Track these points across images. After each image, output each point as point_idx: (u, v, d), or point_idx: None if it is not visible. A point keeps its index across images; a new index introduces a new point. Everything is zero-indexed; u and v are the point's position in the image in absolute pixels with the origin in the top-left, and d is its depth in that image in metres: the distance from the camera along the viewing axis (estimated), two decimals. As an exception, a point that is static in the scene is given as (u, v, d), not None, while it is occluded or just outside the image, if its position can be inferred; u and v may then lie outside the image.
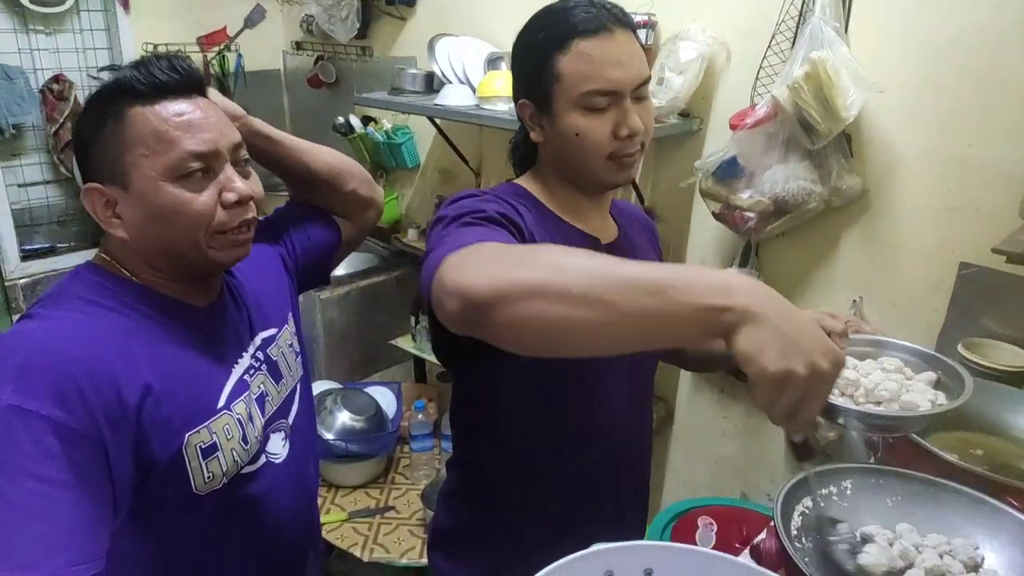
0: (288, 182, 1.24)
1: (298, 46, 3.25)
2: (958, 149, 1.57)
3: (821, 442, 1.84)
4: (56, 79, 2.63)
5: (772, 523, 0.90)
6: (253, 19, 3.01)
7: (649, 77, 1.02)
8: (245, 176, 0.96)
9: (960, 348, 1.43)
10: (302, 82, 3.16)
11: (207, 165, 0.90)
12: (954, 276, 1.60)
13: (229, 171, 0.93)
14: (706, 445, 2.25)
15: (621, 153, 1.01)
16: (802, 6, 1.69)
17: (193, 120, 0.90)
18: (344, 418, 2.33)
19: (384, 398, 2.49)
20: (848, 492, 0.97)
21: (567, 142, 1.00)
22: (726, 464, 2.21)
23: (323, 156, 1.20)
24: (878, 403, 0.97)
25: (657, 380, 1.25)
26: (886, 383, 0.99)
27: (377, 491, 2.34)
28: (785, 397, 0.62)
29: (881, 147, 1.69)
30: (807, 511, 0.93)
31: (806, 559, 0.81)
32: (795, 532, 0.90)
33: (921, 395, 0.97)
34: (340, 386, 2.52)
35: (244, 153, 0.97)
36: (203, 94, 0.95)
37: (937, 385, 1.02)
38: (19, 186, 2.71)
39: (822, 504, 0.94)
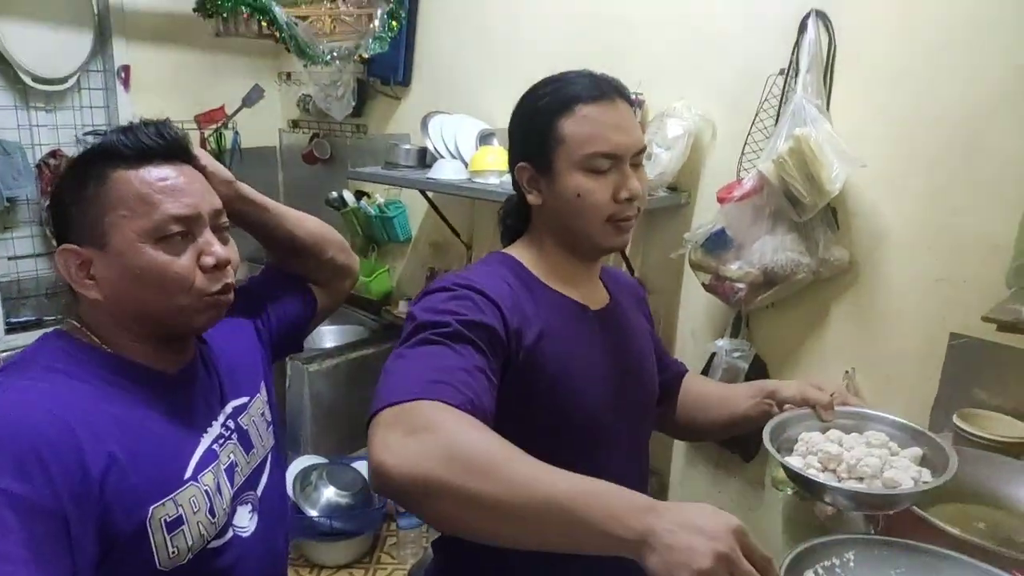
0: (270, 248, 1.24)
1: (294, 124, 3.33)
2: (944, 219, 1.60)
3: (820, 517, 1.80)
4: (53, 154, 2.68)
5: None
6: (251, 98, 3.09)
7: (645, 146, 1.06)
8: (224, 242, 0.96)
9: (956, 419, 1.42)
10: (297, 158, 3.23)
11: (187, 229, 0.91)
12: (945, 346, 1.61)
13: (208, 235, 0.93)
14: (702, 522, 2.18)
15: (619, 216, 1.02)
16: (784, 84, 1.75)
17: (176, 185, 0.90)
18: (329, 494, 2.27)
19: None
20: (851, 564, 0.94)
21: (567, 203, 1.02)
22: (723, 542, 2.14)
23: (306, 224, 1.21)
24: (860, 479, 0.97)
25: (651, 453, 1.22)
26: (868, 459, 0.98)
27: (362, 571, 2.25)
28: None
29: (867, 219, 1.72)
30: (811, 584, 0.89)
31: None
32: (799, 606, 0.86)
33: (904, 472, 0.97)
34: (326, 460, 2.46)
35: (224, 220, 0.97)
36: (188, 161, 0.96)
37: (923, 461, 1.02)
38: (9, 259, 2.71)
39: (825, 577, 0.91)
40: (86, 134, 0.91)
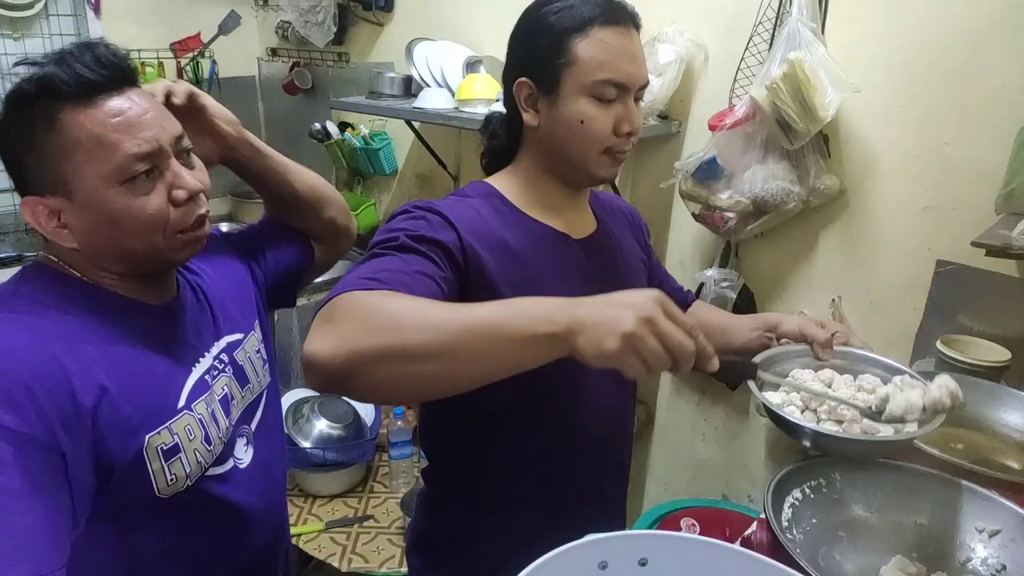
0: (268, 199, 1.21)
1: (273, 52, 3.22)
2: (935, 147, 1.58)
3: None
4: (24, 83, 2.58)
5: (762, 516, 0.89)
6: (227, 25, 2.98)
7: (648, 81, 1.03)
8: (189, 167, 0.92)
9: (939, 344, 1.44)
10: (277, 88, 3.14)
11: (152, 164, 0.87)
12: (931, 274, 1.62)
13: (175, 167, 0.89)
14: (687, 448, 2.24)
15: (617, 148, 1.01)
16: (779, 8, 1.71)
17: (131, 119, 0.85)
18: (321, 426, 2.29)
19: (362, 405, 2.46)
20: (838, 484, 0.96)
21: (568, 128, 0.99)
22: (706, 467, 2.21)
23: (307, 178, 1.19)
24: (840, 423, 0.96)
25: (638, 383, 1.23)
26: (853, 402, 0.96)
27: (355, 500, 2.30)
28: (646, 353, 0.67)
29: (858, 147, 1.70)
30: (797, 503, 0.92)
31: (798, 550, 0.80)
32: (785, 524, 0.89)
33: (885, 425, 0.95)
34: (317, 394, 2.47)
35: (187, 143, 0.93)
36: (135, 84, 0.90)
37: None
38: (-15, 193, 2.64)
39: (812, 496, 0.93)
40: (16, 64, 0.85)
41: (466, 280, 0.94)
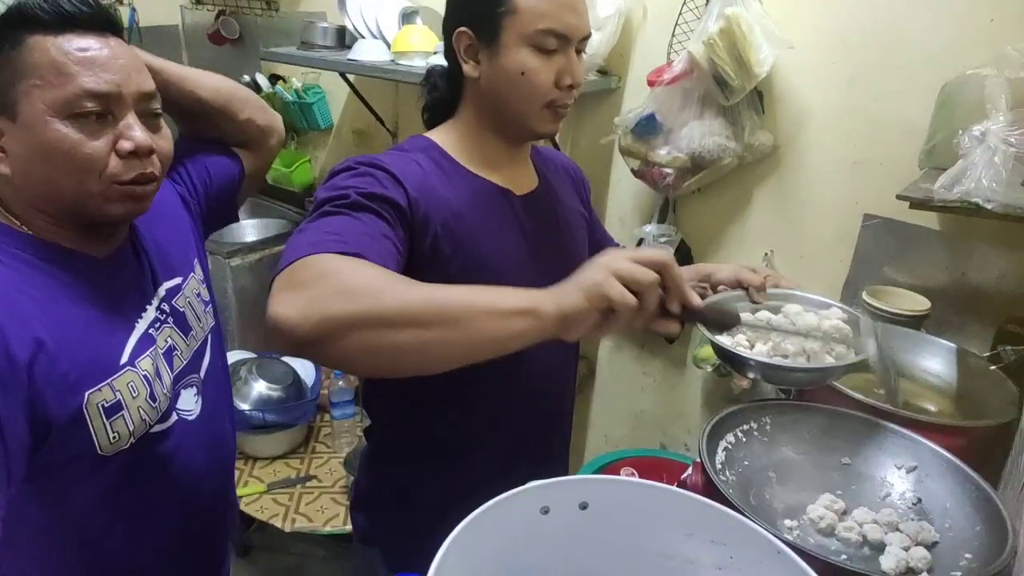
0: (177, 116, 1.15)
1: (198, 1, 3.07)
2: (863, 105, 1.63)
3: (735, 391, 1.92)
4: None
5: (697, 460, 0.93)
6: (148, -31, 2.82)
7: (591, 33, 1.01)
8: (154, 130, 0.90)
9: (864, 296, 1.50)
10: (203, 39, 2.99)
11: (106, 108, 0.84)
12: (858, 227, 1.68)
13: (131, 119, 0.86)
14: (626, 400, 2.30)
15: (559, 103, 0.99)
16: (716, -38, 1.71)
17: (97, 58, 0.83)
18: (260, 388, 2.26)
19: (302, 366, 2.42)
20: (768, 427, 1.00)
21: (508, 80, 0.97)
22: (645, 417, 2.27)
23: (210, 82, 1.13)
24: (785, 356, 0.99)
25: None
26: (793, 338, 1.00)
27: (297, 461, 2.28)
28: (612, 295, 0.69)
29: (791, 104, 1.74)
30: (730, 446, 0.95)
31: (730, 490, 0.84)
32: (719, 466, 0.92)
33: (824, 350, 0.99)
34: (255, 355, 2.43)
35: (156, 105, 0.90)
36: (117, 34, 0.88)
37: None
38: None
39: (743, 439, 0.97)
40: None
41: (414, 237, 0.93)
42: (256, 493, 2.12)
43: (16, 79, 0.82)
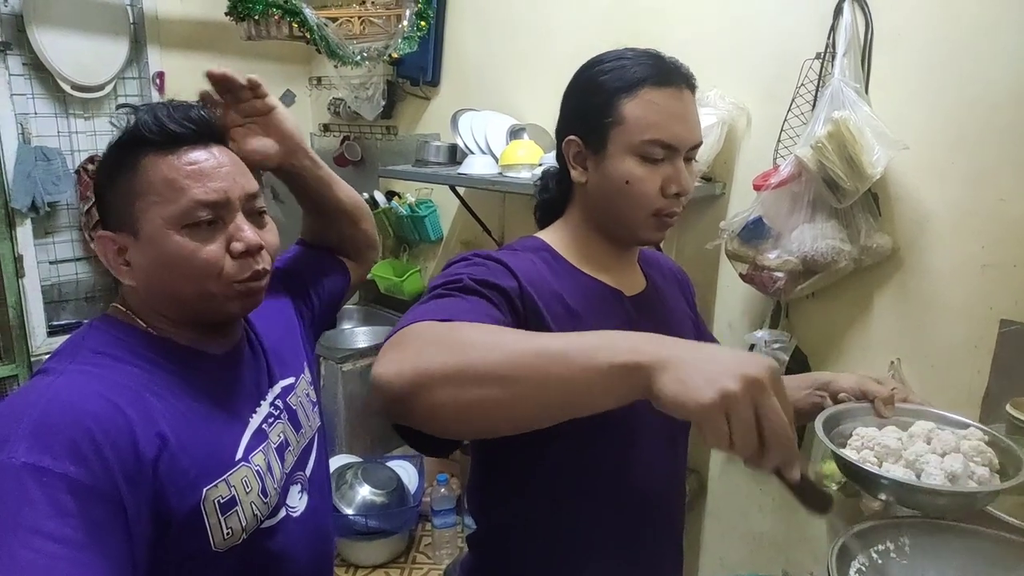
0: (312, 211, 1.23)
1: (326, 128, 3.36)
2: (989, 203, 1.54)
3: (866, 513, 1.75)
4: (91, 160, 2.73)
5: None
6: (283, 103, 3.12)
7: (701, 141, 1.02)
8: (260, 226, 0.95)
9: (1009, 408, 1.36)
10: (329, 161, 3.22)
11: (216, 215, 0.89)
12: (995, 335, 1.55)
13: (239, 220, 0.92)
14: (742, 520, 2.14)
15: (666, 211, 0.99)
16: (821, 69, 1.72)
17: (205, 169, 0.89)
18: (364, 492, 2.27)
19: (405, 472, 2.43)
20: (907, 549, 0.90)
21: (614, 188, 0.98)
22: (765, 540, 2.10)
23: (348, 190, 1.22)
24: (918, 475, 0.91)
25: (688, 449, 1.18)
26: (929, 456, 0.92)
27: (397, 571, 2.24)
28: (735, 422, 0.57)
29: (910, 204, 1.67)
30: (864, 568, 0.86)
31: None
32: (854, 593, 0.83)
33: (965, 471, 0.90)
34: (360, 460, 2.46)
35: (260, 203, 0.96)
36: (222, 142, 0.95)
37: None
38: (50, 263, 2.76)
39: (879, 560, 0.87)
40: (119, 107, 0.94)
41: (526, 326, 0.92)
42: (356, 603, 2.09)
43: (135, 198, 0.88)
